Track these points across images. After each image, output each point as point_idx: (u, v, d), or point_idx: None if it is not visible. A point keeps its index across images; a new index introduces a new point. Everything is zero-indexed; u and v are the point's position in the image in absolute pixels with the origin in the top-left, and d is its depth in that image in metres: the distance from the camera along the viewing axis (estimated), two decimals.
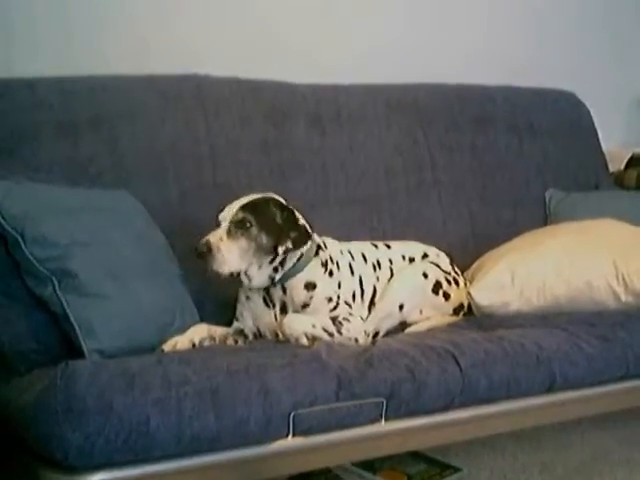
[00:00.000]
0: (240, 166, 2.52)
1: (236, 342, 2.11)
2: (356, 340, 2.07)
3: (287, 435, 1.72)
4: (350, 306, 2.17)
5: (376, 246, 2.39)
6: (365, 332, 2.13)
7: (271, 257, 2.06)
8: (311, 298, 2.12)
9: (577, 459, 2.52)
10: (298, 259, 2.11)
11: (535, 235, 2.63)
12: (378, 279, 2.30)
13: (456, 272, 2.43)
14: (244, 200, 2.07)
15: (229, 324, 2.17)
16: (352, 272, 2.24)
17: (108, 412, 1.52)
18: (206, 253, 1.97)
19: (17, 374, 1.74)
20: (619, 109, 3.52)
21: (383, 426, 1.84)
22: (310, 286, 2.12)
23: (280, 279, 2.11)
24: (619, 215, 2.64)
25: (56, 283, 1.79)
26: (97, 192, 2.07)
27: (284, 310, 2.12)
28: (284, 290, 2.12)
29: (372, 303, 2.26)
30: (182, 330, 1.99)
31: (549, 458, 2.52)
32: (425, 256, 2.42)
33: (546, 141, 3.13)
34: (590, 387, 2.13)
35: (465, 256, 2.57)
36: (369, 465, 2.36)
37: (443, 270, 2.37)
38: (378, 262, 2.33)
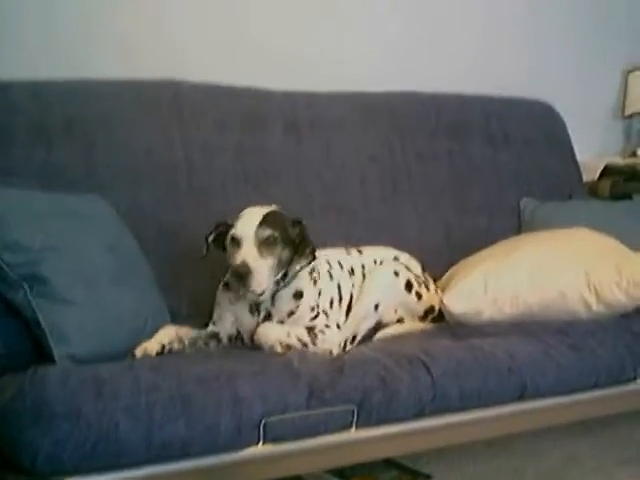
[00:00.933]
0: (215, 172, 2.52)
1: (206, 345, 2.11)
2: (330, 352, 2.07)
3: (258, 442, 1.72)
4: (327, 315, 2.17)
5: (349, 252, 2.40)
6: (339, 344, 2.13)
7: (284, 271, 2.08)
8: (297, 307, 2.12)
9: (549, 465, 2.54)
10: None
11: (509, 244, 2.64)
12: (353, 285, 2.31)
13: (426, 278, 2.44)
14: (258, 213, 2.06)
15: (204, 328, 2.16)
16: (331, 279, 2.25)
17: (77, 418, 1.51)
18: (245, 274, 1.97)
19: None
20: (593, 120, 3.56)
21: (354, 433, 1.84)
22: (298, 295, 2.13)
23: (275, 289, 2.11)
24: (593, 224, 2.66)
25: (27, 288, 1.78)
26: (70, 197, 2.06)
27: (268, 318, 2.11)
28: (272, 300, 2.12)
29: (349, 309, 2.27)
30: (152, 334, 1.99)
31: (521, 464, 2.53)
32: (396, 259, 2.44)
33: (521, 150, 3.15)
34: (561, 396, 2.14)
35: (439, 264, 2.58)
36: (340, 472, 2.36)
37: (414, 273, 2.39)
38: (352, 268, 2.34)
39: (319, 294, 2.17)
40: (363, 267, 2.36)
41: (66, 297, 1.81)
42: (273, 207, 2.12)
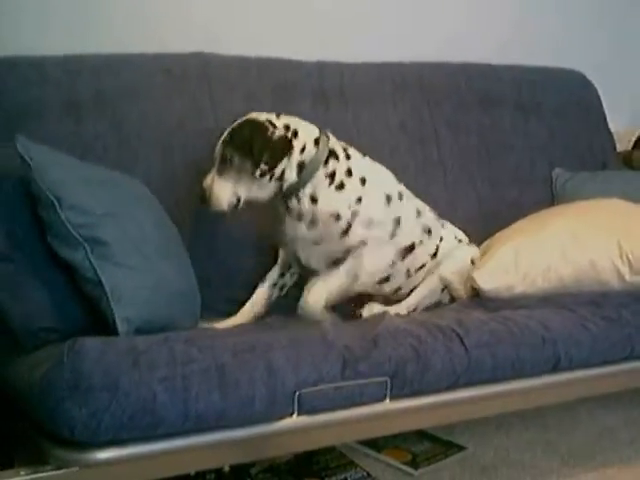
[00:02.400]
0: None
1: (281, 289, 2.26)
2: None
3: (292, 414, 1.72)
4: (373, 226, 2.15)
5: (439, 220, 2.40)
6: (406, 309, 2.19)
7: (267, 177, 2.09)
8: (314, 213, 2.13)
9: (581, 438, 2.53)
10: (300, 170, 2.12)
11: (539, 216, 2.62)
12: (422, 242, 2.29)
13: None
14: (227, 130, 2.14)
15: (231, 310, 2.21)
16: (388, 201, 2.21)
17: (114, 389, 1.52)
18: (206, 197, 2.10)
19: (25, 351, 1.75)
20: (627, 89, 3.49)
21: (388, 405, 1.84)
22: (313, 199, 2.13)
23: (292, 190, 2.13)
24: (626, 195, 2.64)
25: (89, 249, 1.79)
26: (116, 172, 2.09)
27: (301, 219, 2.14)
28: (299, 201, 2.14)
29: (403, 257, 2.25)
30: (192, 312, 2.04)
31: (553, 437, 2.53)
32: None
33: (553, 120, 3.11)
34: (595, 367, 2.13)
35: (471, 235, 2.56)
36: (374, 444, 2.38)
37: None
38: (429, 229, 2.32)
39: (358, 200, 2.14)
40: (441, 239, 2.36)
41: (124, 262, 1.82)
42: (249, 116, 2.16)
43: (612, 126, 3.23)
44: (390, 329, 1.92)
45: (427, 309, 2.31)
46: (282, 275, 2.29)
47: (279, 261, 2.29)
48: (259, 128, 2.10)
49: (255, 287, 2.27)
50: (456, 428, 2.47)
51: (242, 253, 2.41)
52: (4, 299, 1.73)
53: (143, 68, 2.44)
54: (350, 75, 2.78)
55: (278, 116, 2.16)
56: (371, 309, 2.21)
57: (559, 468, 2.35)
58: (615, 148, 3.24)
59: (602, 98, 3.22)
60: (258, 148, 2.07)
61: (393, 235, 2.20)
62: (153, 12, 2.60)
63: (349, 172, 2.16)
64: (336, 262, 2.17)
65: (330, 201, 2.13)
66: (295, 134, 2.13)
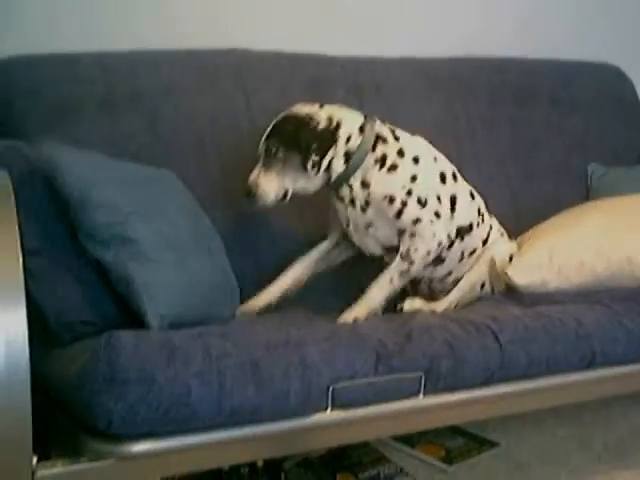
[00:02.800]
0: None
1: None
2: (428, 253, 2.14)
3: (326, 408, 1.73)
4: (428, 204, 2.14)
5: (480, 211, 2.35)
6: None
7: (315, 169, 2.10)
8: (368, 195, 2.13)
9: (616, 435, 2.52)
10: (347, 159, 2.13)
11: (574, 212, 2.60)
12: (478, 224, 2.28)
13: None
14: (271, 125, 2.15)
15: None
16: (442, 179, 2.20)
17: (150, 383, 1.54)
18: (252, 193, 2.11)
19: (61, 345, 1.77)
20: None
21: (421, 400, 1.84)
22: (365, 184, 2.14)
23: (341, 179, 2.14)
24: None
25: (118, 248, 1.80)
26: (145, 167, 2.09)
27: (354, 205, 2.15)
28: (351, 188, 2.15)
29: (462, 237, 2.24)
30: (230, 304, 2.05)
31: (588, 434, 2.51)
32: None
33: (588, 115, 3.09)
34: (631, 364, 2.11)
35: (507, 231, 2.55)
36: (407, 439, 2.38)
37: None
38: (482, 214, 2.31)
39: (413, 179, 2.14)
40: (491, 227, 2.35)
41: (154, 258, 1.83)
42: (290, 111, 2.17)
43: None
44: (424, 324, 1.92)
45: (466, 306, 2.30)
46: (329, 252, 2.29)
47: (328, 240, 2.30)
48: (303, 121, 2.11)
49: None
50: (490, 424, 2.46)
51: (278, 248, 2.42)
52: (39, 293, 1.75)
53: (177, 65, 2.45)
54: (384, 71, 2.78)
55: (321, 107, 2.17)
56: (412, 304, 2.21)
57: (594, 465, 2.34)
58: None
59: (638, 91, 3.19)
60: (304, 141, 2.08)
61: (451, 213, 2.19)
62: (185, 8, 2.61)
63: (400, 153, 2.16)
64: (391, 248, 2.17)
65: (383, 184, 2.13)
66: (339, 124, 2.14)
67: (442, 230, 2.16)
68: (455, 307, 2.25)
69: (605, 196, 2.77)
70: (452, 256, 2.25)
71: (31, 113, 2.21)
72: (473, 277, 2.30)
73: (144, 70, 2.39)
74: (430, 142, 2.37)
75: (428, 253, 2.15)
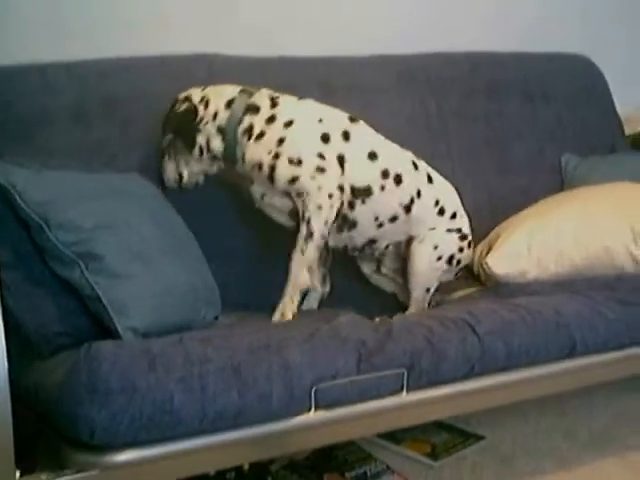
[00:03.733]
0: None
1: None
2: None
3: (310, 409, 1.73)
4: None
5: (416, 167, 2.32)
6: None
7: (197, 151, 2.22)
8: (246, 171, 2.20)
9: (601, 423, 2.53)
10: (223, 136, 2.19)
11: (551, 202, 2.62)
12: (383, 187, 2.22)
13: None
14: None
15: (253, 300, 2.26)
16: (325, 139, 2.17)
17: (132, 392, 1.53)
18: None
19: (41, 358, 1.76)
20: (633, 71, 3.48)
21: (405, 397, 1.84)
22: (243, 158, 2.19)
23: (229, 157, 2.21)
24: (636, 178, 2.64)
25: (83, 266, 1.79)
26: (112, 175, 2.09)
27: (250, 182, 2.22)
28: (238, 163, 2.22)
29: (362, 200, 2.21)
30: (210, 306, 2.04)
31: (573, 423, 2.52)
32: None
33: (560, 106, 3.11)
34: (611, 351, 2.13)
35: (482, 225, 2.57)
36: (393, 436, 2.38)
37: (462, 234, 2.36)
38: (397, 176, 2.24)
39: (279, 142, 2.16)
40: (419, 194, 2.29)
41: (122, 272, 1.82)
42: (191, 90, 2.26)
43: (620, 110, 3.22)
44: (403, 323, 1.93)
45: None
46: None
47: None
48: (171, 106, 2.23)
49: (271, 290, 2.26)
50: (474, 418, 2.47)
51: (257, 250, 2.42)
52: (16, 306, 1.74)
53: (147, 71, 2.45)
54: (356, 70, 2.78)
55: (204, 89, 2.25)
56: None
57: (579, 454, 2.35)
58: (623, 132, 3.23)
59: (609, 81, 3.21)
60: (169, 125, 2.21)
61: (341, 170, 2.17)
62: (154, 14, 2.60)
63: (271, 119, 2.17)
64: (292, 213, 2.19)
65: (251, 153, 2.16)
66: (207, 103, 2.20)
67: (330, 183, 2.14)
68: (431, 302, 2.30)
69: (580, 186, 2.79)
70: (363, 220, 2.22)
71: (2, 126, 2.20)
72: (420, 261, 2.29)
73: (114, 78, 2.39)
74: (404, 138, 2.39)
75: (320, 207, 2.12)
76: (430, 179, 2.33)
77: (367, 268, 2.46)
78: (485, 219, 2.66)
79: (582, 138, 3.11)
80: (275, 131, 2.16)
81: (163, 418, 1.56)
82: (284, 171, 2.12)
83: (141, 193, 2.09)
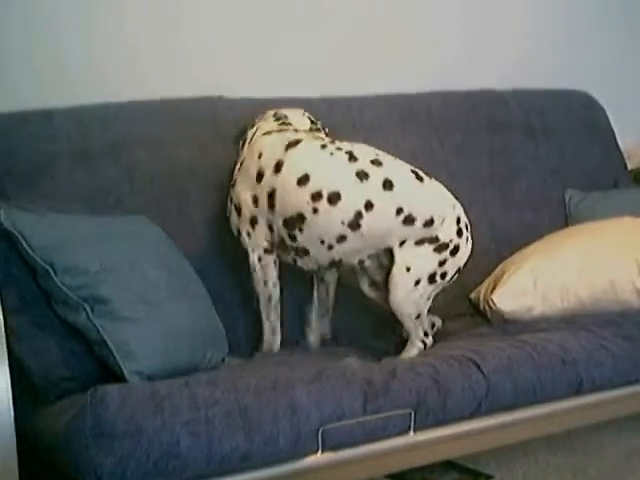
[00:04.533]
0: None
1: None
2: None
3: (317, 451, 1.73)
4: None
5: (365, 176, 2.14)
6: None
7: None
8: None
9: (610, 460, 2.50)
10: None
11: (555, 238, 2.62)
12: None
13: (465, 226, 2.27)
14: None
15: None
16: (259, 178, 2.18)
17: (138, 436, 1.53)
18: None
19: (47, 402, 1.76)
20: (635, 106, 3.50)
21: (412, 437, 1.84)
22: None
23: None
24: (639, 212, 2.64)
25: (89, 310, 1.81)
26: (118, 219, 2.10)
27: None
28: None
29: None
30: (217, 349, 2.04)
31: (582, 461, 2.50)
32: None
33: (562, 142, 3.12)
34: (618, 388, 2.12)
35: (487, 261, 2.57)
36: (401, 476, 2.36)
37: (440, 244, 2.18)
38: (335, 194, 2.10)
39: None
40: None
41: (128, 315, 1.83)
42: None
43: (622, 144, 3.23)
44: (406, 362, 1.94)
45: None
46: None
47: None
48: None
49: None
50: (483, 456, 2.45)
51: None
52: (22, 351, 1.75)
53: (152, 115, 2.47)
54: (358, 108, 2.80)
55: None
56: None
57: None
58: (626, 166, 3.24)
59: (610, 116, 3.23)
60: None
61: (268, 212, 2.18)
62: (156, 59, 2.63)
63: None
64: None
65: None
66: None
67: (258, 241, 2.21)
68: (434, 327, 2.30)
69: (584, 221, 2.79)
70: (310, 246, 2.15)
71: (9, 171, 2.22)
72: (396, 294, 2.15)
73: (119, 122, 2.41)
74: None
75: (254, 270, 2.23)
76: (389, 185, 2.12)
77: (363, 284, 2.30)
78: (490, 255, 2.67)
79: (585, 173, 3.11)
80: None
81: (170, 462, 1.56)
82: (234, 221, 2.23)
83: (147, 235, 2.10)
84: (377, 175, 2.13)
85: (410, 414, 1.81)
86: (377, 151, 2.22)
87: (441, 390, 1.84)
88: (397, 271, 2.14)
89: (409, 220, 2.13)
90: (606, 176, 3.16)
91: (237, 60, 2.77)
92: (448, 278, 2.20)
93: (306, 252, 2.17)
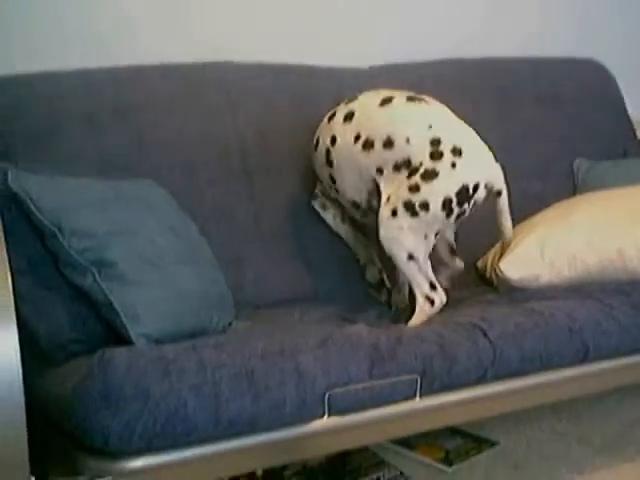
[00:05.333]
0: (269, 152, 2.54)
1: None
2: None
3: (323, 415, 1.73)
4: None
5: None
6: None
7: None
8: None
9: (615, 429, 2.52)
10: None
11: (563, 206, 2.61)
12: None
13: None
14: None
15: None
16: None
17: (146, 398, 1.54)
18: None
19: (54, 365, 1.77)
20: None
21: (418, 402, 1.84)
22: None
23: None
24: None
25: (96, 273, 1.81)
26: (126, 183, 2.09)
27: None
28: None
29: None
30: (224, 313, 2.04)
31: (587, 429, 2.51)
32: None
33: (572, 111, 3.10)
34: (625, 356, 2.12)
35: (493, 231, 2.56)
36: (406, 442, 2.38)
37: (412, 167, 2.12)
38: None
39: None
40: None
41: (135, 278, 1.83)
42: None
43: (632, 113, 3.21)
44: (412, 329, 1.95)
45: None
46: None
47: None
48: None
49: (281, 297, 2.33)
50: (488, 423, 2.46)
51: (268, 258, 2.43)
52: (29, 312, 1.75)
53: (160, 79, 2.46)
54: (367, 78, 2.78)
55: None
56: None
57: (593, 459, 2.34)
58: (636, 136, 3.21)
59: (620, 85, 3.20)
60: None
61: None
62: (165, 23, 2.61)
63: None
64: None
65: None
66: None
67: None
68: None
69: (592, 191, 2.78)
70: None
71: (15, 133, 2.22)
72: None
73: (128, 85, 2.40)
74: None
75: None
76: (350, 117, 2.26)
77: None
78: None
79: (594, 143, 3.10)
80: None
81: (177, 425, 1.56)
82: None
83: (154, 200, 2.10)
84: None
85: (416, 380, 1.81)
86: None
87: (447, 356, 1.84)
88: (381, 202, 2.11)
89: (368, 145, 2.15)
90: (615, 145, 3.13)
91: (245, 24, 2.74)
92: (435, 210, 2.08)
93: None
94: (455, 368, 1.85)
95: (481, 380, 1.91)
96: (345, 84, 2.71)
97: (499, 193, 2.20)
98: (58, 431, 1.64)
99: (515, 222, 2.60)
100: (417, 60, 2.91)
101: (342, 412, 1.75)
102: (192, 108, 2.46)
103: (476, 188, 2.15)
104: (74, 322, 1.82)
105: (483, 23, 3.15)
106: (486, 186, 2.17)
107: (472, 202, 2.15)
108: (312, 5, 2.86)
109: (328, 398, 1.72)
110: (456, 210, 2.12)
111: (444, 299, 2.16)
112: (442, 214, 2.10)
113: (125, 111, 2.35)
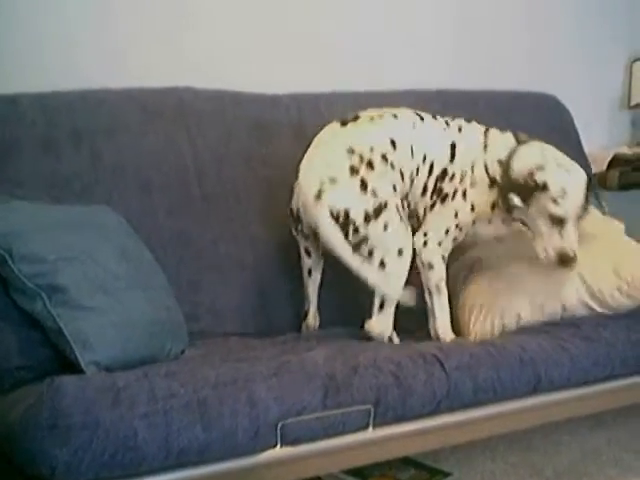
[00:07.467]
0: (226, 179, 2.53)
1: None
2: None
3: (275, 445, 1.72)
4: None
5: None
6: None
7: None
8: None
9: (567, 460, 2.53)
10: None
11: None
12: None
13: None
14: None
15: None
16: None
17: (95, 427, 1.52)
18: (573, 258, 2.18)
19: (2, 391, 1.73)
20: (599, 111, 3.55)
21: (371, 433, 1.84)
22: None
23: None
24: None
25: (46, 298, 1.78)
26: (80, 208, 2.08)
27: None
28: None
29: None
30: (177, 340, 2.02)
31: (539, 459, 2.53)
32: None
33: None
34: (576, 387, 2.14)
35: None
36: (359, 472, 2.36)
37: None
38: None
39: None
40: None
41: (85, 304, 1.81)
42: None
43: (586, 148, 3.26)
44: (370, 357, 1.93)
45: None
46: None
47: None
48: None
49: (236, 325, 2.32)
50: (441, 454, 2.46)
51: (225, 284, 2.42)
52: None
53: (118, 104, 2.45)
54: (327, 105, 2.79)
55: None
56: None
57: None
58: (590, 170, 3.26)
59: (575, 120, 3.26)
60: None
61: None
62: (126, 47, 2.61)
63: None
64: None
65: None
66: None
67: None
68: None
69: None
70: None
71: None
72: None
73: (84, 109, 2.38)
74: None
75: None
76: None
77: None
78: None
79: None
80: None
81: (126, 454, 1.54)
82: None
83: (107, 225, 2.08)
84: None
85: (369, 410, 1.82)
86: None
87: (402, 387, 1.85)
88: None
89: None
90: None
91: (206, 52, 2.75)
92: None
93: None
94: (410, 399, 1.86)
95: (435, 411, 1.92)
96: (304, 110, 2.72)
97: None
98: (5, 458, 1.60)
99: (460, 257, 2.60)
100: (376, 90, 2.93)
101: (295, 442, 1.75)
102: (150, 134, 2.45)
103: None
104: (23, 348, 1.79)
105: (445, 56, 3.18)
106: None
107: None
108: (271, 31, 2.87)
109: (281, 428, 1.71)
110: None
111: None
112: None
113: (81, 135, 2.34)
